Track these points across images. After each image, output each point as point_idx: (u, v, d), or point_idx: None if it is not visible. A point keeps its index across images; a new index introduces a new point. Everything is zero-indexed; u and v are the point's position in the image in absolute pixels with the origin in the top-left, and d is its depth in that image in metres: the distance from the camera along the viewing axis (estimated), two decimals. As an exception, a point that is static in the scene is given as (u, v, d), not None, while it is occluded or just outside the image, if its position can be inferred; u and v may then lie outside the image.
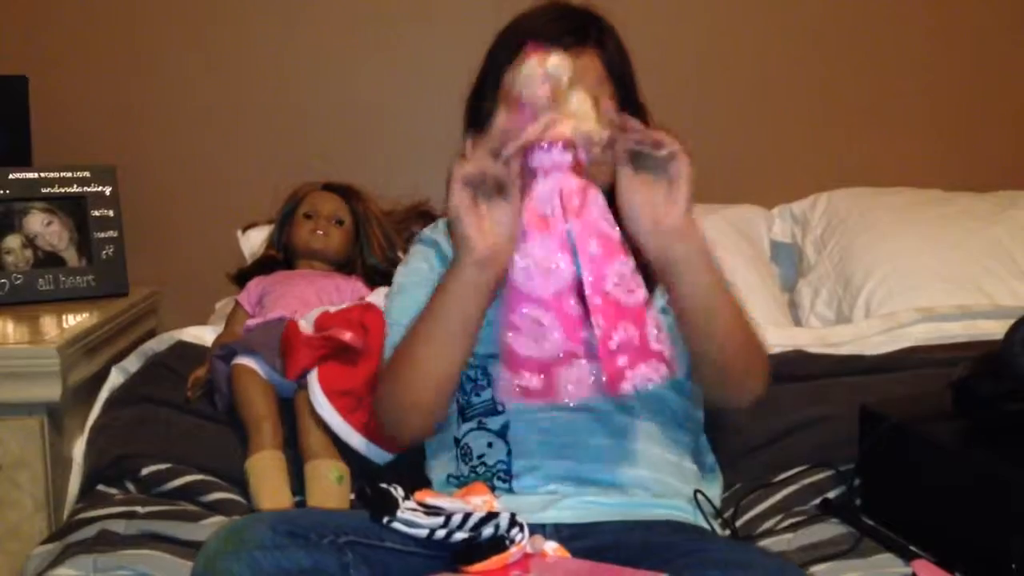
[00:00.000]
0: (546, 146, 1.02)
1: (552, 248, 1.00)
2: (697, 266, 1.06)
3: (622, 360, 1.00)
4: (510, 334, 1.00)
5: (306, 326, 1.49)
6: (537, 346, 0.99)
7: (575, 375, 1.00)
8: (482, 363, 1.22)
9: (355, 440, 1.40)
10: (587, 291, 0.99)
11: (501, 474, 1.18)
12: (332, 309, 1.51)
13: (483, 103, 1.24)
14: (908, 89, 2.26)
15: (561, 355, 0.99)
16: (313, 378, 1.43)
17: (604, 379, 1.00)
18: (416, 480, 1.33)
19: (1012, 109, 2.28)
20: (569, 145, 1.02)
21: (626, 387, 1.00)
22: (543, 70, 1.03)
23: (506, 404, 1.21)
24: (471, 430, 1.22)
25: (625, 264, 1.01)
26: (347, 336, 1.41)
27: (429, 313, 1.12)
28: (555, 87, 1.03)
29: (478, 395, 1.23)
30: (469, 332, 1.11)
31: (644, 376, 1.01)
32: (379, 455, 1.41)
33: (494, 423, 1.21)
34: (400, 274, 1.35)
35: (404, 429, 1.21)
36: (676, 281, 1.06)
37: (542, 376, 1.00)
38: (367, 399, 1.39)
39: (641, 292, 1.01)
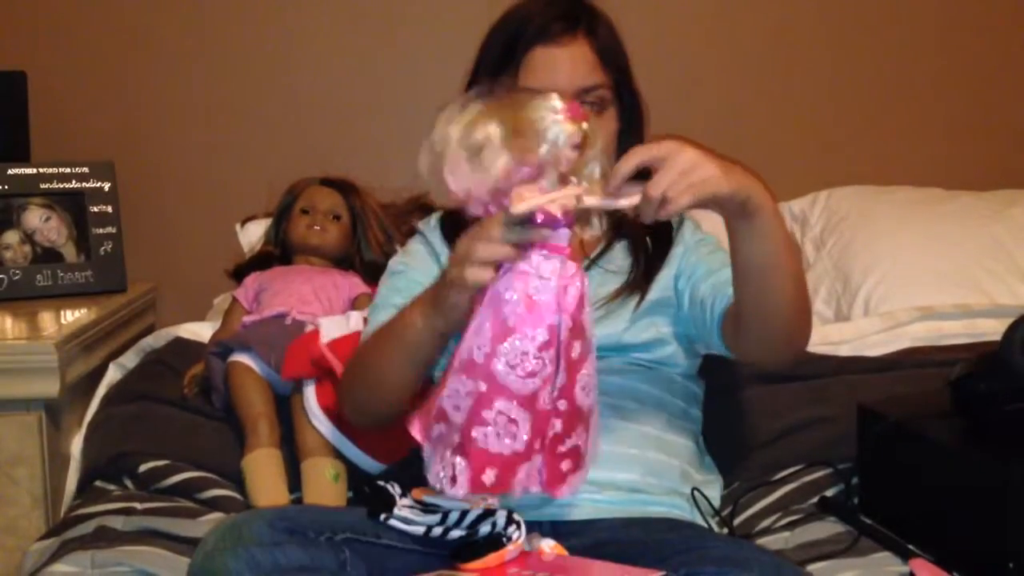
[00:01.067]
0: (562, 220, 0.91)
1: (539, 342, 0.92)
2: (758, 231, 1.01)
3: (565, 465, 0.98)
4: (479, 430, 0.93)
5: (329, 331, 1.46)
6: (504, 444, 0.94)
7: (526, 469, 0.96)
8: None
9: (349, 450, 1.40)
10: (555, 393, 0.95)
11: None
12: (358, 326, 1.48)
13: None
14: (908, 87, 2.25)
15: (523, 452, 0.94)
16: (310, 391, 1.42)
17: (543, 479, 0.97)
18: (413, 478, 1.33)
19: (1013, 108, 2.28)
20: (577, 221, 0.94)
21: (563, 492, 0.99)
22: (580, 132, 0.91)
23: None
24: None
25: (589, 369, 0.97)
26: (329, 356, 1.40)
27: (390, 330, 1.15)
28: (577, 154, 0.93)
29: None
30: (422, 363, 1.13)
31: (575, 485, 1.00)
32: (373, 466, 1.41)
33: None
34: (393, 261, 1.38)
35: (361, 418, 1.27)
36: (739, 234, 1.03)
37: (499, 471, 0.95)
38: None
39: (594, 395, 0.98)
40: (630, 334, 1.24)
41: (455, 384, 0.95)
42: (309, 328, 1.49)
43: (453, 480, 0.94)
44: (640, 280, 1.26)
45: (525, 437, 0.94)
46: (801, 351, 1.18)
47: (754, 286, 1.07)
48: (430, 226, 1.38)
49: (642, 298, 1.25)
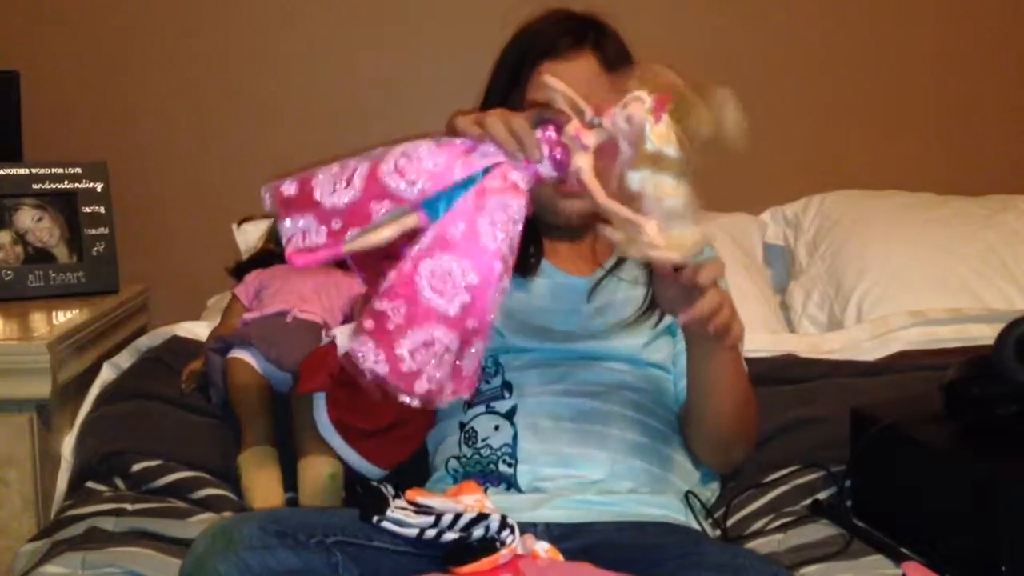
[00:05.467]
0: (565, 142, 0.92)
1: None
2: (716, 356, 1.14)
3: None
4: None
5: (343, 342, 1.45)
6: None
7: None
8: (492, 353, 1.25)
9: (353, 459, 1.40)
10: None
11: (506, 457, 1.19)
12: None
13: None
14: (901, 93, 2.26)
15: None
16: (320, 404, 1.42)
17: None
18: (408, 479, 1.33)
19: (1005, 113, 2.29)
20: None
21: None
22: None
23: (514, 389, 1.23)
24: (478, 414, 1.24)
25: (453, 264, 0.90)
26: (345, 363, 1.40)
27: None
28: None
29: (487, 382, 1.25)
30: None
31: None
32: (376, 473, 1.41)
33: (502, 406, 1.23)
34: None
35: None
36: (693, 357, 1.16)
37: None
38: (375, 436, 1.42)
39: (449, 305, 0.90)
40: (647, 352, 1.28)
41: None
42: (327, 341, 1.48)
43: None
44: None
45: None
46: (739, 463, 1.32)
47: (702, 398, 1.20)
48: None
49: (661, 317, 1.28)
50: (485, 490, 1.16)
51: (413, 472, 1.36)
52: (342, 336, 1.45)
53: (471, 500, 1.04)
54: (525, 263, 1.30)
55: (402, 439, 1.40)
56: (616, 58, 1.27)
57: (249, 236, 1.95)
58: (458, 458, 1.23)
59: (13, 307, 1.87)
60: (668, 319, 1.28)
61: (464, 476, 1.21)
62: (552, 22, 1.28)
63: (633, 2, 1.91)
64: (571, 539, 1.10)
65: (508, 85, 1.27)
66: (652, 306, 1.28)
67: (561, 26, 1.26)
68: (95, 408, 1.60)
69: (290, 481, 1.39)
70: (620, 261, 1.33)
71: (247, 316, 1.59)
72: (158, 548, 1.21)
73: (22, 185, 1.96)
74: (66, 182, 2.00)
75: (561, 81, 1.16)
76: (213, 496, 1.38)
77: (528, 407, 1.22)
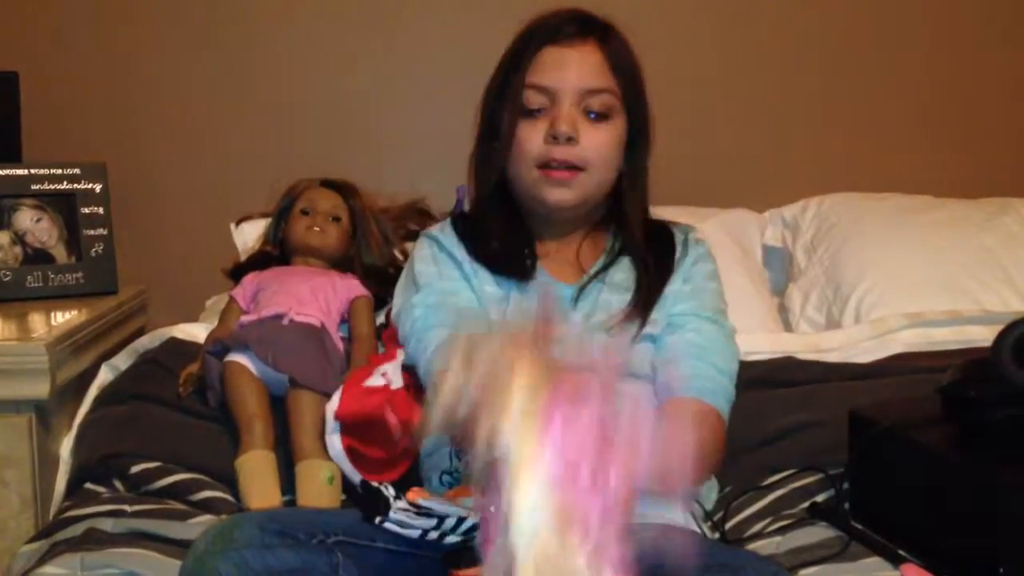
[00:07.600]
0: None
1: None
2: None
3: None
4: None
5: (395, 380, 1.41)
6: None
7: None
8: None
9: (360, 480, 1.40)
10: None
11: None
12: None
13: (495, 110, 1.26)
14: (899, 95, 2.27)
15: None
16: (335, 439, 1.42)
17: None
18: (407, 480, 1.34)
19: (1003, 116, 2.29)
20: None
21: None
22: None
23: None
24: None
25: None
26: (392, 420, 1.37)
27: None
28: None
29: None
30: None
31: None
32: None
33: None
34: (419, 271, 1.34)
35: None
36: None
37: None
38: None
39: None
40: (631, 360, 1.26)
41: None
42: (382, 383, 1.42)
43: None
44: (643, 305, 1.27)
45: None
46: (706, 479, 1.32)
47: None
48: (445, 233, 1.37)
49: (642, 325, 1.26)
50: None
51: (410, 472, 1.36)
52: (393, 375, 1.42)
53: (472, 503, 1.04)
54: (521, 267, 1.30)
55: (403, 455, 1.39)
56: (620, 55, 1.27)
57: (247, 235, 1.95)
58: (450, 472, 1.23)
59: (12, 308, 1.87)
60: (648, 328, 1.26)
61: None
62: (558, 12, 1.28)
63: (634, 4, 1.92)
64: (571, 541, 1.10)
65: (508, 70, 1.26)
66: (633, 313, 1.26)
67: (567, 15, 1.27)
68: (93, 410, 1.60)
69: (288, 484, 1.39)
70: (605, 266, 1.32)
71: (244, 319, 1.58)
72: (157, 549, 1.21)
73: (21, 186, 1.96)
74: (65, 183, 2.00)
75: (565, 65, 1.19)
76: (212, 498, 1.38)
77: None
